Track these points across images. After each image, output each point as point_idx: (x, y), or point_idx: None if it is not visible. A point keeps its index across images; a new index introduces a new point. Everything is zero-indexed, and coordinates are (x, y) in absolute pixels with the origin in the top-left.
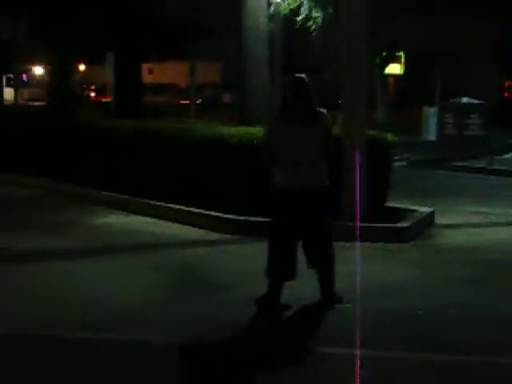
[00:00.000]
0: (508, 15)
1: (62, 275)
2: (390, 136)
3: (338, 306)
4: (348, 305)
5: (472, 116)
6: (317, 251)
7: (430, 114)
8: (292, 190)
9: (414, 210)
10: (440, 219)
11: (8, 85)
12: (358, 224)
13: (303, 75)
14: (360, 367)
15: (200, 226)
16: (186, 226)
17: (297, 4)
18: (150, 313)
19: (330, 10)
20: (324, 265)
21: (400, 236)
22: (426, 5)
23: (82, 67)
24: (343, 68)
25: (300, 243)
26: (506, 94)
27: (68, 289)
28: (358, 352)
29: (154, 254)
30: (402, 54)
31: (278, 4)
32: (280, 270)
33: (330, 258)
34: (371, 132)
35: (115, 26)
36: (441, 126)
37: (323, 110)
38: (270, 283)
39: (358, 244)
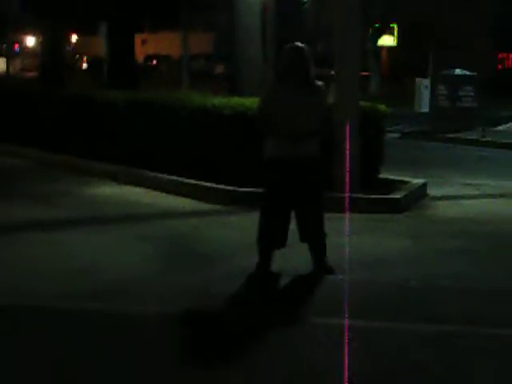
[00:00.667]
0: None
1: (52, 246)
2: (382, 107)
3: (329, 276)
4: (340, 276)
5: (465, 88)
6: (308, 223)
7: (423, 85)
8: (285, 159)
9: (406, 182)
10: (433, 191)
11: (0, 54)
12: (350, 195)
13: (303, 45)
14: (350, 338)
15: (192, 197)
16: (177, 197)
17: None
18: (142, 284)
19: None
20: (315, 237)
21: (393, 207)
22: None
23: (74, 38)
24: (336, 39)
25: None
26: (499, 66)
27: (59, 259)
28: (348, 322)
29: (145, 225)
30: (395, 25)
31: None
32: (271, 237)
33: (321, 230)
34: (364, 103)
35: None
36: (434, 97)
37: (320, 83)
38: (261, 250)
39: (350, 215)
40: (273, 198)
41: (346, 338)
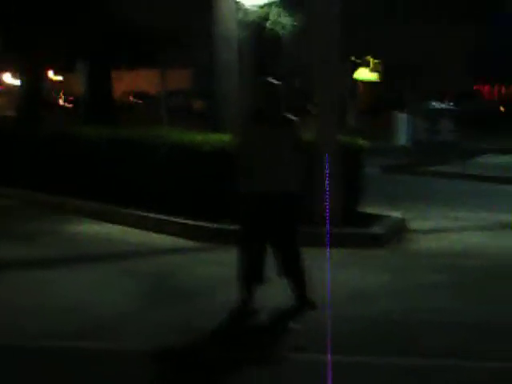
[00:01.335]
0: (482, 26)
1: (37, 284)
2: (360, 141)
3: (311, 311)
4: (322, 311)
5: (443, 121)
6: (284, 258)
7: (402, 119)
8: (260, 194)
9: (386, 216)
10: (413, 224)
11: None
12: (331, 230)
13: (274, 80)
14: (331, 373)
15: (174, 234)
16: (159, 235)
17: (265, 11)
18: (125, 321)
19: (299, 17)
20: (293, 273)
21: (374, 241)
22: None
23: (54, 76)
24: (314, 75)
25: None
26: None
27: (44, 298)
28: (329, 358)
29: (129, 263)
30: (370, 58)
31: (248, 11)
32: (251, 273)
33: (298, 266)
34: (342, 137)
35: (86, 34)
36: (412, 130)
37: (293, 117)
38: (241, 287)
39: (331, 250)
40: (249, 234)
41: (328, 373)
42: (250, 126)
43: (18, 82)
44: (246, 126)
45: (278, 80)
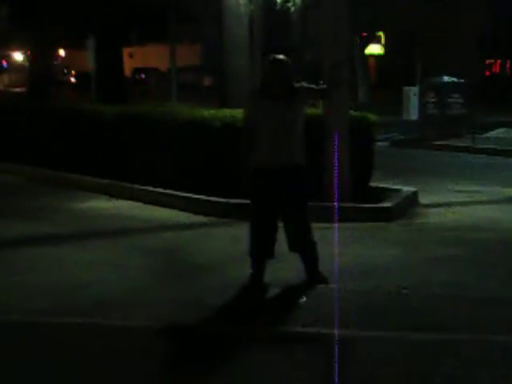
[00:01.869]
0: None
1: (47, 261)
2: (371, 116)
3: (322, 286)
4: (333, 285)
5: (453, 95)
6: (295, 232)
7: (411, 93)
8: (269, 168)
9: (397, 190)
10: (424, 198)
11: None
12: (341, 204)
13: (282, 56)
14: (343, 348)
15: (184, 210)
16: (169, 210)
17: None
18: (134, 297)
19: None
20: (304, 247)
21: (384, 215)
22: None
23: (62, 52)
24: (324, 49)
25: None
26: (487, 73)
27: (54, 275)
28: (340, 332)
29: (138, 238)
30: (381, 34)
31: None
32: (262, 248)
33: (309, 239)
34: (353, 113)
35: (95, 9)
36: (422, 105)
37: (298, 85)
38: (253, 262)
39: (340, 225)
40: (259, 208)
41: (334, 348)
42: (260, 99)
43: (22, 59)
44: (252, 100)
45: (287, 55)
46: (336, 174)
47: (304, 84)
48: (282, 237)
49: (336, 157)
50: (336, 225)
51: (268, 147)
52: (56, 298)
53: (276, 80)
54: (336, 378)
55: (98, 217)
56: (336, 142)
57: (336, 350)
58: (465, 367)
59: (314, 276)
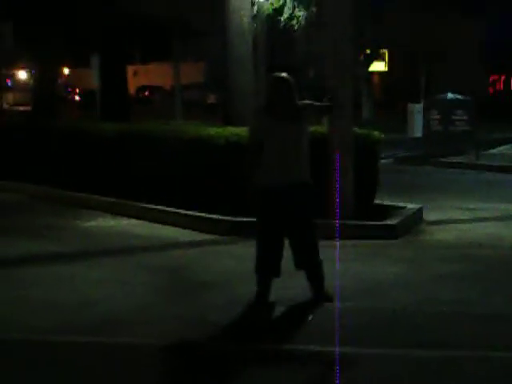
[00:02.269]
0: (494, 15)
1: (52, 279)
2: (376, 134)
3: (328, 304)
4: (338, 303)
5: (457, 112)
6: (302, 250)
7: (416, 110)
8: (276, 187)
9: (402, 207)
10: (428, 215)
11: None
12: (346, 222)
13: (285, 74)
14: (346, 366)
15: (189, 227)
16: (174, 228)
17: (280, 3)
18: (140, 315)
19: (313, 9)
20: (311, 265)
21: (389, 233)
22: (412, 4)
23: (66, 71)
24: (328, 67)
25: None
26: (491, 90)
27: (59, 293)
28: (344, 350)
29: (144, 256)
30: (385, 51)
31: (262, 3)
32: (268, 266)
33: (316, 257)
34: (358, 130)
35: (99, 28)
36: (427, 122)
37: (302, 103)
38: (259, 280)
39: (344, 242)
40: (265, 226)
41: (339, 366)
42: (265, 117)
43: (26, 77)
44: (257, 118)
45: (291, 72)
46: (339, 192)
47: (307, 101)
48: (287, 254)
49: (339, 174)
50: (340, 242)
51: (274, 165)
52: (62, 315)
53: (280, 98)
54: None
55: (103, 235)
56: (339, 160)
57: (340, 367)
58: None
59: (320, 294)
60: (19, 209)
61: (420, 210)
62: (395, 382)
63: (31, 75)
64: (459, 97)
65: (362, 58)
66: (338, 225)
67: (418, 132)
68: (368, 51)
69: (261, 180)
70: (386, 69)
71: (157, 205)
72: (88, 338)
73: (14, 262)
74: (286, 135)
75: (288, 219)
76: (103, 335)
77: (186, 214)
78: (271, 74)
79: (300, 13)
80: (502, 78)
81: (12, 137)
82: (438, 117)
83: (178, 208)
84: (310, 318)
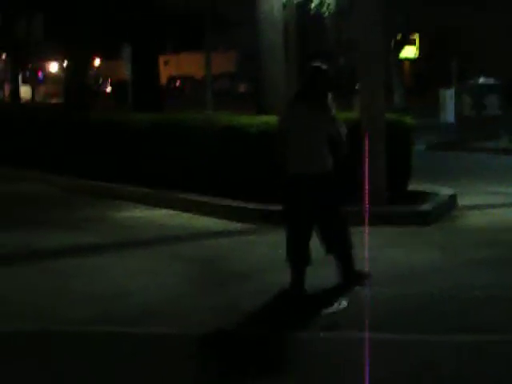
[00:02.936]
0: None
1: (88, 270)
2: (409, 119)
3: (360, 290)
4: (371, 288)
5: (490, 96)
6: (330, 236)
7: (448, 96)
8: (301, 174)
9: (435, 193)
10: (462, 201)
11: (24, 82)
12: (378, 208)
13: (320, 64)
14: (378, 351)
15: (222, 217)
16: (207, 217)
17: None
18: (176, 305)
19: None
20: (339, 249)
21: (423, 219)
22: None
23: (97, 62)
24: (361, 54)
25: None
26: None
27: (95, 284)
28: (373, 336)
29: (177, 247)
30: (417, 36)
31: None
32: (299, 255)
33: (345, 242)
34: (390, 116)
35: (131, 19)
36: (459, 107)
37: (329, 99)
38: (292, 269)
39: (378, 228)
40: (294, 215)
41: (370, 352)
42: (292, 107)
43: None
44: (289, 107)
45: (325, 60)
46: (372, 178)
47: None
48: (316, 244)
49: (372, 160)
50: (373, 228)
51: (301, 154)
52: (98, 306)
53: (314, 88)
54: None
55: (137, 226)
56: (371, 146)
57: (372, 353)
58: (508, 369)
59: (350, 278)
60: (53, 201)
61: (453, 196)
62: (428, 367)
63: (62, 67)
64: (491, 81)
65: (392, 44)
66: (369, 211)
67: (450, 117)
68: (398, 37)
69: (288, 168)
70: (417, 55)
71: (189, 195)
72: (124, 329)
73: (51, 254)
74: (309, 124)
75: (314, 207)
76: (139, 326)
77: (217, 204)
78: (308, 62)
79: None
80: None
81: (44, 129)
82: (470, 102)
83: (210, 197)
84: (342, 304)
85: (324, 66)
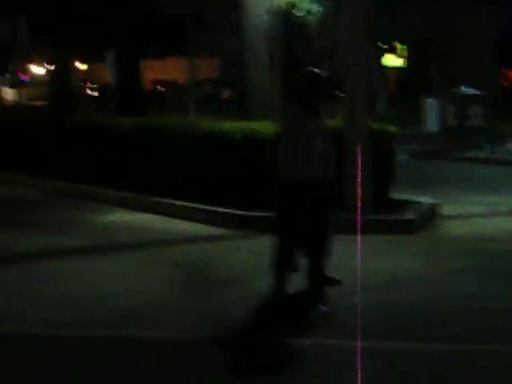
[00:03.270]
0: (509, 6)
1: (68, 273)
2: (392, 128)
3: (345, 298)
4: (352, 297)
5: (473, 106)
6: (314, 242)
7: (431, 105)
8: (304, 179)
9: (418, 202)
10: (444, 210)
11: (8, 85)
12: (362, 216)
13: (319, 70)
14: (361, 358)
15: (204, 222)
16: (189, 223)
17: None
18: (156, 310)
19: (329, 4)
20: (315, 257)
21: (405, 228)
22: None
23: (80, 65)
24: (344, 62)
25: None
26: (503, 83)
27: (76, 287)
28: (361, 344)
29: (160, 251)
30: (400, 46)
31: None
32: (289, 261)
33: (322, 250)
34: (373, 124)
35: (115, 23)
36: (442, 116)
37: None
38: (277, 275)
39: (362, 237)
40: (285, 221)
41: (354, 360)
42: (290, 113)
43: (42, 72)
44: (286, 113)
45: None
46: (358, 187)
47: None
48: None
49: (358, 169)
50: (358, 237)
51: (302, 159)
52: (78, 309)
53: (315, 94)
54: None
55: (118, 229)
56: (357, 155)
57: (355, 361)
58: (487, 378)
59: (319, 283)
60: (36, 203)
61: (436, 205)
62: (410, 375)
63: (46, 70)
64: (475, 91)
65: (376, 52)
66: (352, 219)
67: (432, 126)
68: (381, 44)
69: (288, 174)
70: (400, 63)
71: (173, 199)
72: (105, 332)
73: (31, 256)
74: (318, 129)
75: (306, 213)
76: (121, 329)
77: (200, 209)
78: (305, 68)
79: (316, 8)
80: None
81: (27, 131)
82: (454, 111)
83: (193, 202)
84: (324, 310)
85: (324, 73)
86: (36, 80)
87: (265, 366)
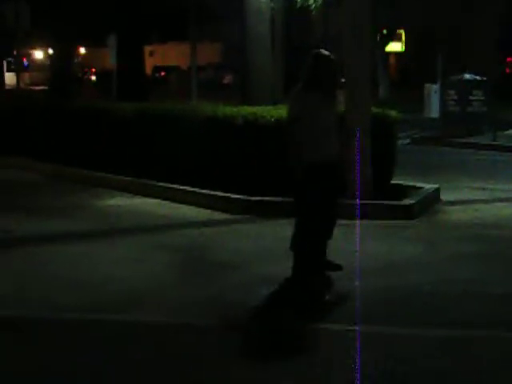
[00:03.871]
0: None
1: (71, 258)
2: (394, 113)
3: (344, 282)
4: (352, 282)
5: (474, 92)
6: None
7: (432, 90)
8: (328, 161)
9: (419, 187)
10: (445, 196)
11: (9, 69)
12: (362, 202)
13: (328, 53)
14: (363, 344)
15: (206, 207)
16: (192, 207)
17: None
18: (158, 294)
19: None
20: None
21: (406, 213)
22: None
23: (82, 50)
24: (347, 47)
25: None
26: (507, 70)
27: (78, 271)
28: (360, 328)
29: (162, 236)
30: (402, 31)
31: None
32: (320, 248)
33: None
34: (375, 109)
35: (116, 8)
36: (443, 102)
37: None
38: (301, 260)
39: (363, 222)
40: (320, 203)
41: (351, 345)
42: (312, 94)
43: (43, 57)
44: (299, 97)
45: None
46: (358, 172)
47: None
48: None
49: (358, 154)
50: (358, 222)
51: (324, 140)
52: (80, 293)
53: (328, 76)
54: (357, 375)
55: (121, 214)
56: (358, 140)
57: (353, 346)
58: (484, 364)
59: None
60: (38, 188)
61: (437, 191)
62: (403, 362)
63: (47, 55)
64: (476, 77)
65: (378, 38)
66: (354, 204)
67: (434, 112)
68: (384, 31)
69: (313, 157)
70: (403, 49)
71: (174, 183)
72: (107, 316)
73: (35, 240)
74: (331, 110)
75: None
76: (125, 313)
77: (202, 193)
78: (315, 51)
79: None
80: None
81: (30, 117)
82: (455, 97)
83: (195, 187)
84: (326, 297)
85: (330, 54)
86: (36, 64)
87: (267, 350)
